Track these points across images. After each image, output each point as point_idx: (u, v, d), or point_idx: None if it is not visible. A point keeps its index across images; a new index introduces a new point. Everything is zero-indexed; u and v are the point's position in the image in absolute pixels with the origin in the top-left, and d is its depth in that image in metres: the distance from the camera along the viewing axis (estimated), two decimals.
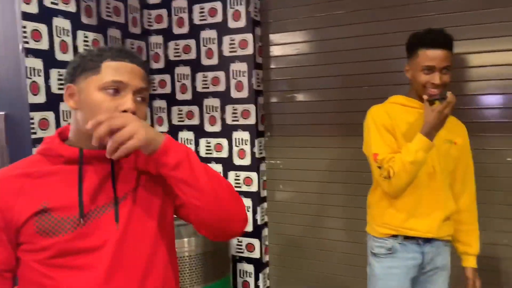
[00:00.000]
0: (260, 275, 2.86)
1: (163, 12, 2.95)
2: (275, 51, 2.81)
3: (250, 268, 2.89)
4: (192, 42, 2.88)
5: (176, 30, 2.92)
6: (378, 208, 1.88)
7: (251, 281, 2.88)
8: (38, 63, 2.16)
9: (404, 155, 1.68)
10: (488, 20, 2.25)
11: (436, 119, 1.62)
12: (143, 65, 1.11)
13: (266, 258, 2.93)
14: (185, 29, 2.90)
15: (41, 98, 2.18)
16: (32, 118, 2.13)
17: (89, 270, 1.03)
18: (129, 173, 1.12)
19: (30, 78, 2.13)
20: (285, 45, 2.77)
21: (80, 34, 2.42)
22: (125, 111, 1.03)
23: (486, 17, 2.25)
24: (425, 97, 1.69)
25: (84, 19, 2.44)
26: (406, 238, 1.81)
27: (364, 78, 2.55)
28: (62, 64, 2.28)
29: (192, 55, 2.89)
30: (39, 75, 2.17)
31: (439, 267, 1.85)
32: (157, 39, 2.99)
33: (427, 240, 1.81)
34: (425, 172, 1.75)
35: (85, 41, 2.44)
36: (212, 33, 2.81)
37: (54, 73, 2.25)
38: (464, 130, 1.91)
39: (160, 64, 2.99)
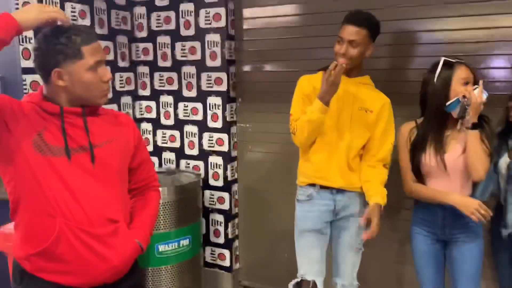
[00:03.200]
0: (229, 225, 3.25)
1: None
2: (247, 24, 3.09)
3: (220, 218, 3.27)
4: (172, 14, 3.16)
5: (158, 2, 3.20)
6: (301, 162, 2.25)
7: (221, 229, 3.27)
8: (29, 32, 2.46)
9: (304, 115, 2.04)
10: None
11: (324, 85, 1.95)
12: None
13: (236, 210, 3.31)
14: (166, 2, 3.17)
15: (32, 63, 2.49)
16: (24, 80, 2.46)
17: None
18: (100, 129, 1.49)
19: (22, 45, 2.44)
20: (256, 19, 3.05)
21: (68, 5, 2.71)
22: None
23: None
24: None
25: None
26: (322, 187, 2.17)
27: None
28: None
29: (172, 26, 3.17)
30: (30, 42, 2.48)
31: (353, 214, 2.20)
32: (141, 9, 3.26)
33: (339, 191, 2.16)
34: (335, 132, 2.10)
35: (72, 11, 2.74)
36: (190, 6, 3.09)
37: None
38: (382, 101, 2.16)
39: (144, 33, 3.28)
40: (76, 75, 1.38)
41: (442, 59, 2.04)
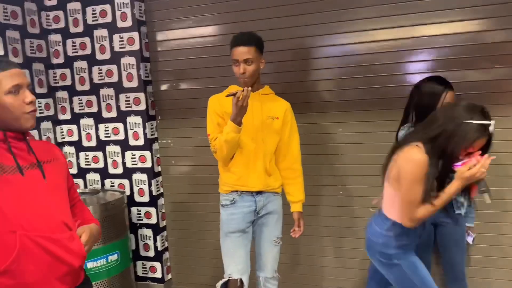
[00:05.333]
0: (158, 238, 3.38)
1: (60, 13, 3.32)
2: (160, 46, 3.29)
3: (149, 232, 3.39)
4: (87, 40, 3.29)
5: (73, 29, 3.31)
6: (222, 173, 2.46)
7: (151, 243, 3.39)
8: None
9: (221, 135, 2.26)
10: None
11: (235, 109, 2.16)
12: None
13: (163, 223, 3.44)
14: (80, 28, 3.29)
15: None
16: None
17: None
18: (41, 150, 1.62)
19: None
20: (169, 41, 3.26)
21: None
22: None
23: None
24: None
25: None
26: (243, 192, 2.40)
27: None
28: None
29: (88, 51, 3.30)
30: None
31: (270, 212, 2.46)
32: (56, 37, 3.36)
33: (258, 192, 2.41)
34: (250, 143, 2.34)
35: None
36: (103, 32, 3.23)
37: None
38: (284, 107, 2.44)
39: (60, 60, 3.37)
40: None
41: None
